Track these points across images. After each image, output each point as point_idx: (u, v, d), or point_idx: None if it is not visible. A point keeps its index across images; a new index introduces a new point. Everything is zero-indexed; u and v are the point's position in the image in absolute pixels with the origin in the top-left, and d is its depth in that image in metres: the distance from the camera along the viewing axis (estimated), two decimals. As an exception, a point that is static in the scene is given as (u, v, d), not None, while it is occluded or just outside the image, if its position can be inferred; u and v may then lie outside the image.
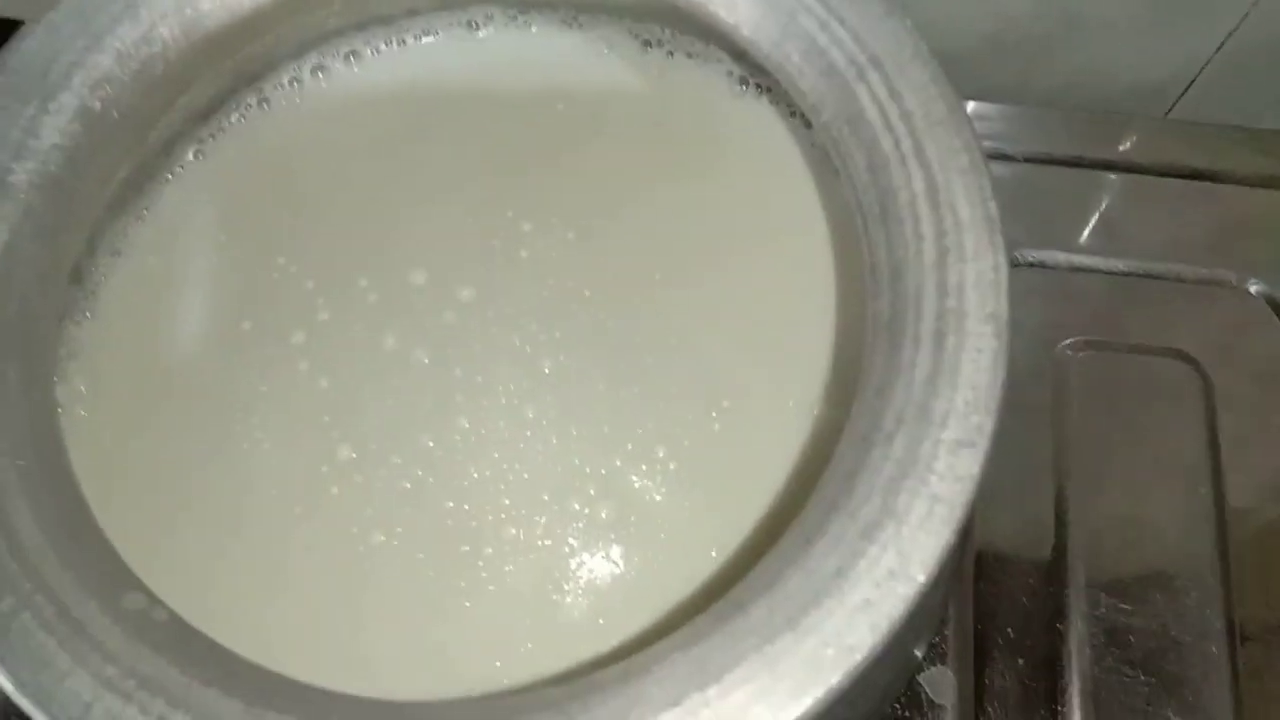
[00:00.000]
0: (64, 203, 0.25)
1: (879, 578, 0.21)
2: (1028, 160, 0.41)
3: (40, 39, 0.25)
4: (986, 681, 0.35)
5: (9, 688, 0.21)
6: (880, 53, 0.26)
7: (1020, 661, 0.35)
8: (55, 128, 0.25)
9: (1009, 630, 0.35)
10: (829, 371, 0.29)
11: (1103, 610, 0.36)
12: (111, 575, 0.22)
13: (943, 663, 0.35)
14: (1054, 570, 0.36)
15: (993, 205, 0.25)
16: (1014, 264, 0.41)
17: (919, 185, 0.25)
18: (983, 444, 0.22)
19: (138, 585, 0.23)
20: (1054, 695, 0.35)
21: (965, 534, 0.30)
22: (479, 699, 0.25)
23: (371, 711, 0.22)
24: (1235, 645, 0.36)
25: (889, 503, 0.22)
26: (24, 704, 0.21)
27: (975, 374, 0.23)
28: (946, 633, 0.35)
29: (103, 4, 0.26)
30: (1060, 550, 0.36)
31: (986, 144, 0.41)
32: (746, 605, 0.22)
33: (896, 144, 0.25)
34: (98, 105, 0.25)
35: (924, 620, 0.33)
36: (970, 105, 0.41)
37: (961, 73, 0.27)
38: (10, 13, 0.33)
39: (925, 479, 0.22)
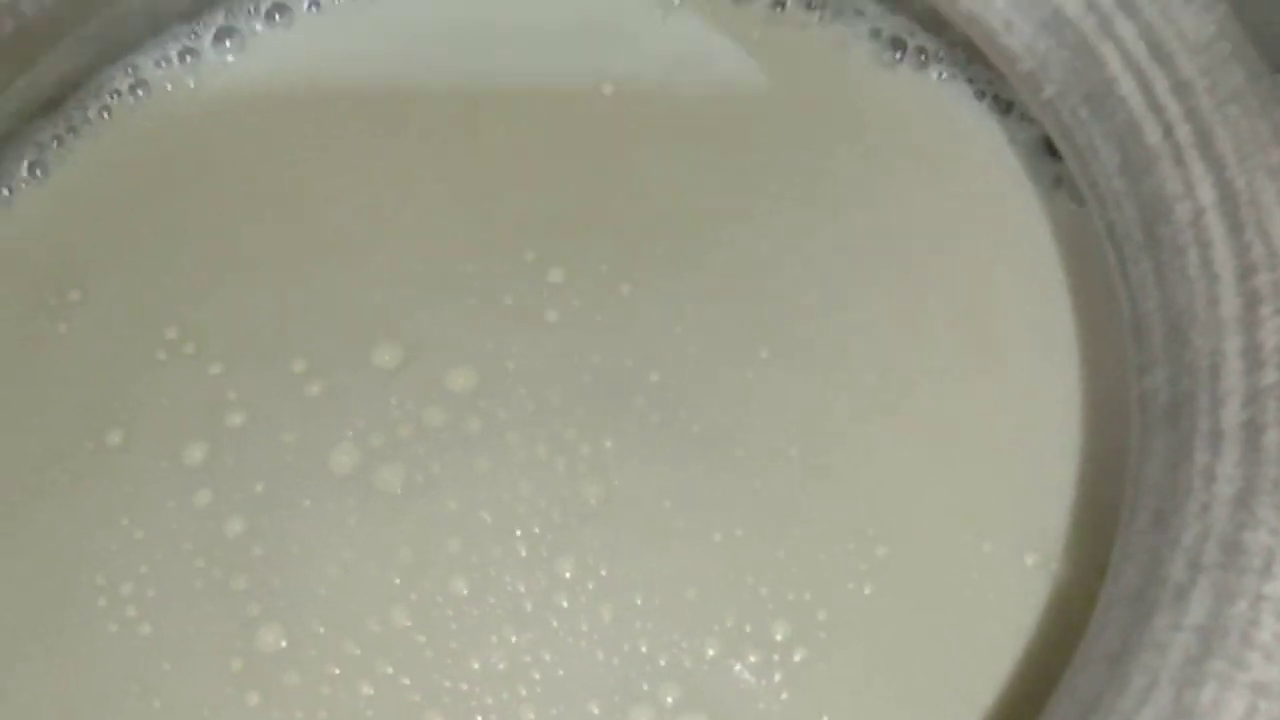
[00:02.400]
0: None
1: None
2: None
3: None
4: None
5: None
6: (1137, -9, 0.26)
7: None
8: None
9: None
10: (1062, 499, 0.29)
11: None
12: None
13: None
14: None
15: None
16: None
17: (1206, 195, 0.25)
18: None
19: None
20: None
21: None
22: None
23: None
24: None
25: (1186, 699, 0.21)
26: None
27: None
28: None
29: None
30: None
31: None
32: None
33: (1168, 131, 0.25)
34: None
35: None
36: None
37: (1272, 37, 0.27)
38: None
39: (1242, 660, 0.21)
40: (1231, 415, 0.23)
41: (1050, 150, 0.31)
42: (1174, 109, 0.26)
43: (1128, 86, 0.26)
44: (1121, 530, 0.24)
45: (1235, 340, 0.24)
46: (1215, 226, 0.25)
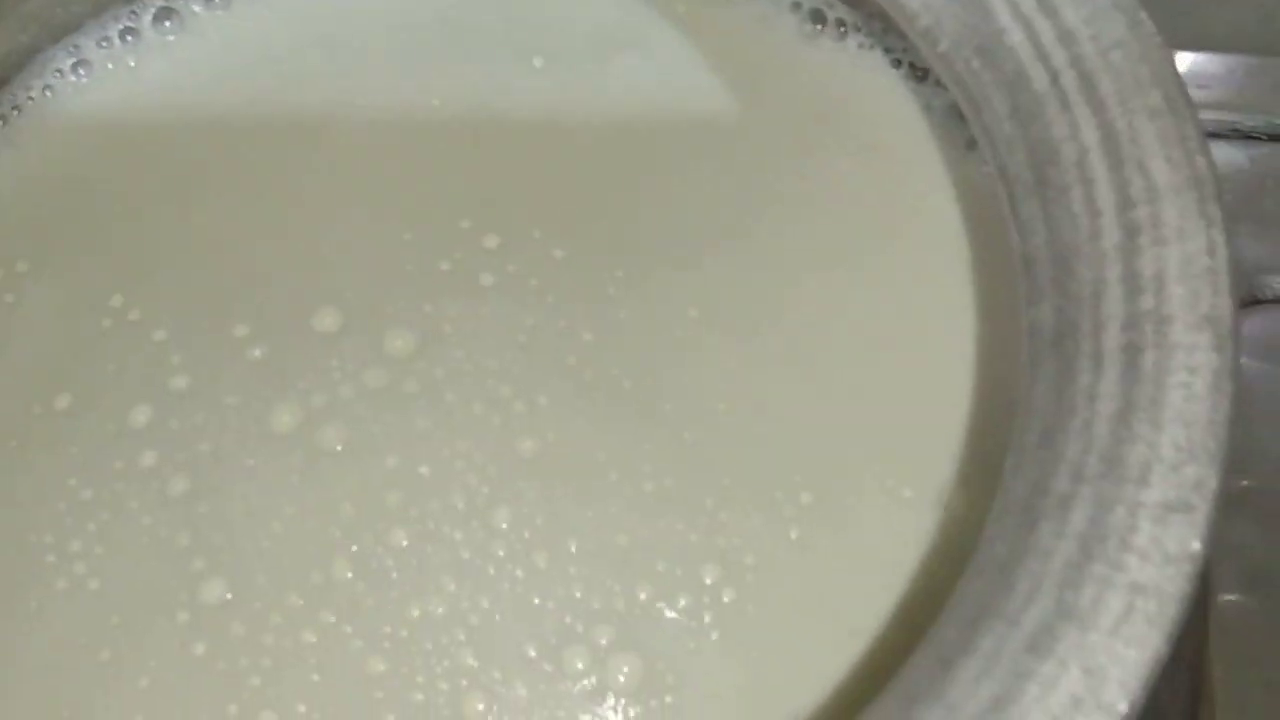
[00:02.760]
0: None
1: (1058, 710, 0.21)
2: (1277, 139, 0.43)
3: None
4: None
5: None
6: (1023, -56, 0.27)
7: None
8: None
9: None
10: (963, 440, 0.30)
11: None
12: None
13: None
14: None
15: (1203, 161, 0.25)
16: (1258, 300, 0.42)
17: (1090, 136, 0.26)
18: (1204, 506, 0.23)
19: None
20: None
21: (1190, 643, 0.30)
22: None
23: None
24: None
25: (1067, 599, 0.22)
26: None
27: (1187, 404, 0.23)
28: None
29: None
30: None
31: (1209, 116, 0.43)
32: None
33: (1054, 78, 0.26)
34: None
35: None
36: (1185, 57, 0.43)
37: (1169, 16, 0.28)
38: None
39: (1120, 562, 0.22)
40: (1112, 339, 0.24)
41: (962, 115, 0.32)
42: (1060, 57, 0.27)
43: (1016, 37, 0.27)
44: (1011, 450, 0.25)
45: (1115, 269, 0.25)
46: (1098, 165, 0.26)
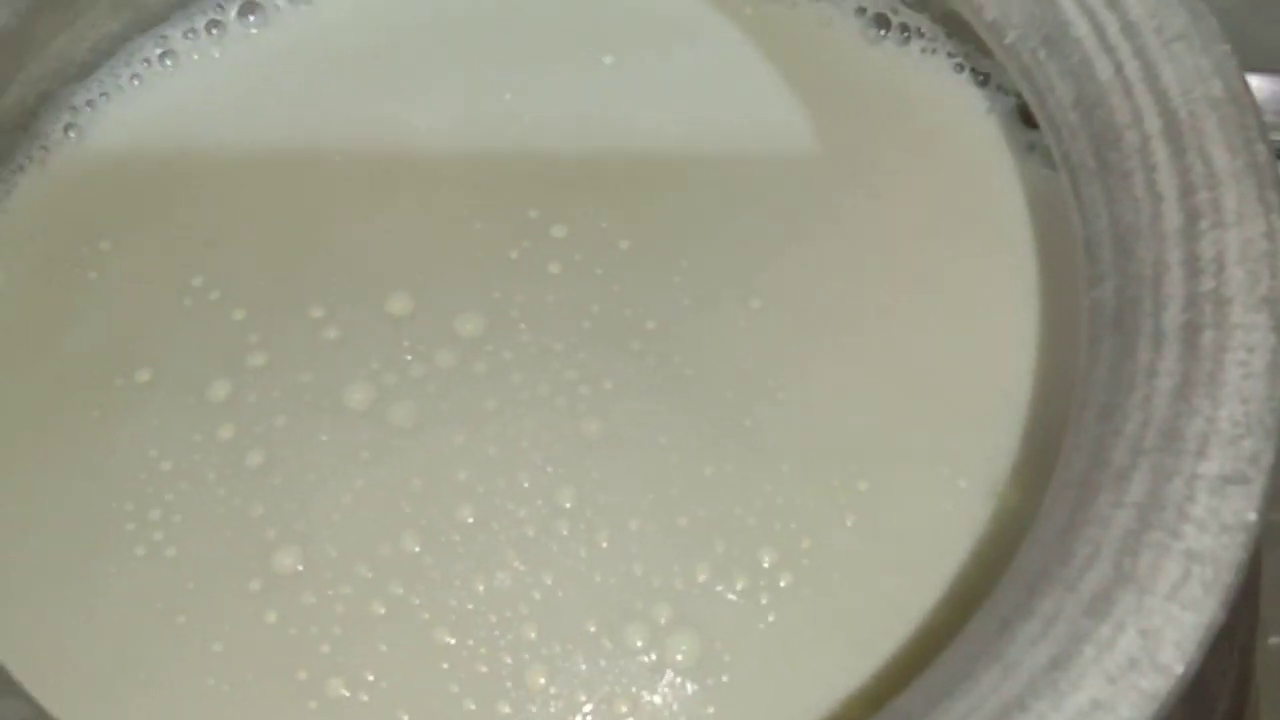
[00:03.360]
0: None
1: (1114, 670, 0.22)
2: None
3: None
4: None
5: None
6: (1090, -61, 0.27)
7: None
8: None
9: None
10: (1019, 433, 0.30)
11: None
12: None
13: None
14: None
15: (1261, 149, 0.25)
16: None
17: (1153, 123, 0.26)
18: (1259, 479, 0.23)
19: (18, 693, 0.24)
20: None
21: (1245, 610, 0.31)
22: None
23: None
24: None
25: (1125, 565, 0.23)
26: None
27: (1245, 381, 0.24)
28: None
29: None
30: None
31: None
32: (918, 720, 0.22)
33: (1118, 68, 0.27)
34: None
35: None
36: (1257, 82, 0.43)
37: (1236, 31, 0.28)
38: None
39: (1178, 530, 0.23)
40: (1172, 318, 0.24)
41: (1024, 119, 0.32)
42: (1124, 48, 0.27)
43: (1082, 28, 0.27)
44: (1070, 427, 0.25)
45: (1176, 251, 0.25)
46: (1160, 151, 0.26)
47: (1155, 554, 0.23)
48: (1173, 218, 0.25)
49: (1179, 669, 0.22)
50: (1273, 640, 0.38)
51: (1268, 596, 0.37)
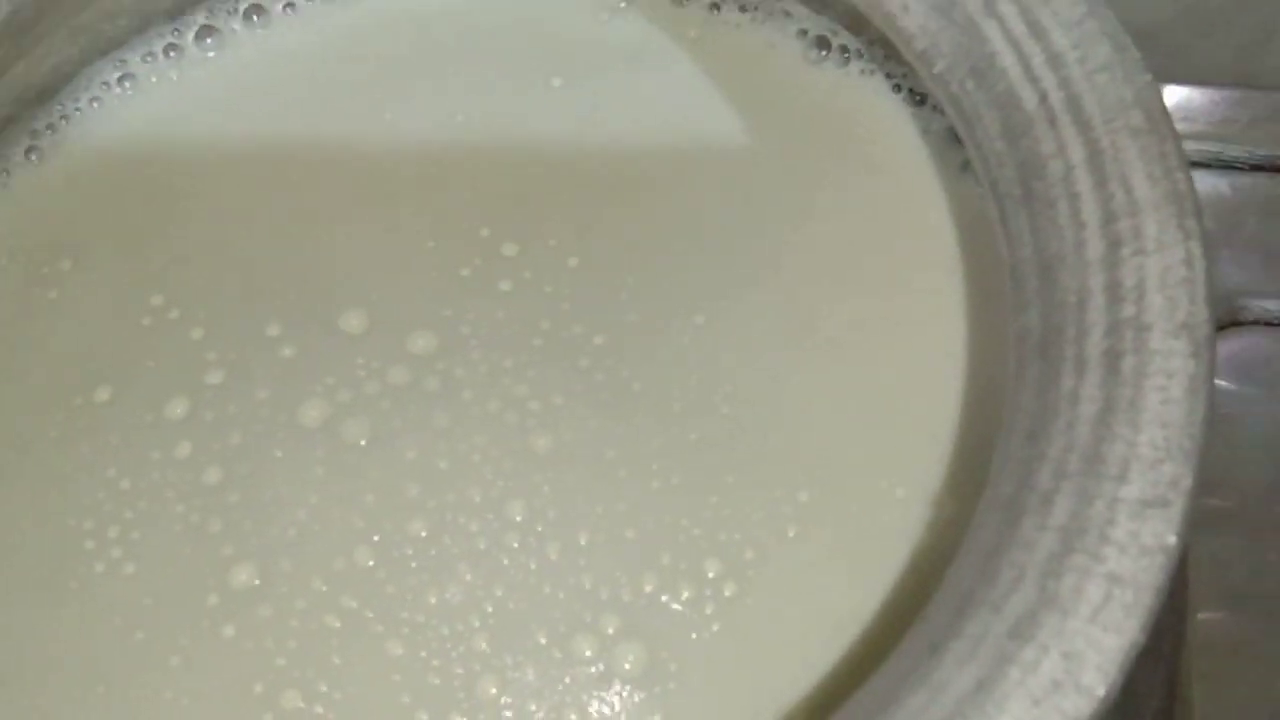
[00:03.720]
0: None
1: (1038, 693, 0.22)
2: (1257, 167, 0.43)
3: None
4: None
5: None
6: (1016, -26, 0.28)
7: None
8: None
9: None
10: (954, 444, 0.30)
11: None
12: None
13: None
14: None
15: (1181, 177, 0.26)
16: (1237, 321, 0.43)
17: (1077, 153, 0.26)
18: (1179, 502, 0.23)
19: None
20: None
21: (1171, 626, 0.31)
22: None
23: None
24: None
25: (1049, 588, 0.23)
26: None
27: (1165, 407, 0.24)
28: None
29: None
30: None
31: (1193, 146, 0.43)
32: (848, 743, 0.23)
33: (1043, 98, 0.27)
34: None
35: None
36: (1171, 90, 0.43)
37: (1153, 55, 0.28)
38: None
39: (1099, 553, 0.23)
40: (1094, 344, 0.25)
41: (958, 138, 0.33)
42: (1049, 78, 0.27)
43: (1008, 59, 0.27)
44: (998, 450, 0.25)
45: (1099, 278, 0.25)
46: (1083, 180, 0.26)
47: (1078, 577, 0.23)
48: (1095, 245, 0.26)
49: (1100, 691, 0.22)
50: (1202, 616, 0.39)
51: (1197, 574, 0.37)
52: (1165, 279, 0.25)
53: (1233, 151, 0.43)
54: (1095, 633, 0.23)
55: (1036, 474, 0.24)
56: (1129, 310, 0.25)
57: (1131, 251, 0.26)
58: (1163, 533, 0.23)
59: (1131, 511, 0.23)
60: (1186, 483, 0.24)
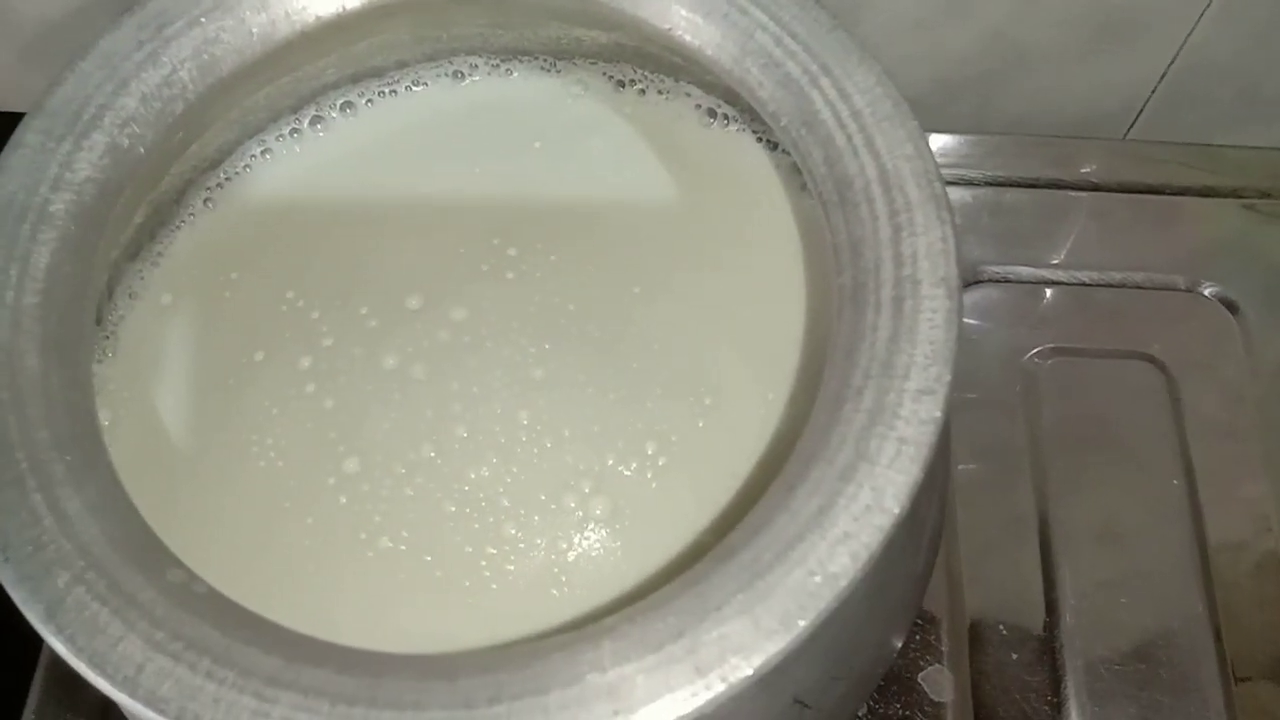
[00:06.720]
0: (96, 232, 0.28)
1: (857, 513, 0.24)
2: (989, 184, 0.46)
3: (73, 84, 0.29)
4: (982, 677, 0.39)
5: (67, 654, 0.23)
6: (829, 61, 0.29)
7: (1014, 656, 0.39)
8: (88, 162, 0.28)
9: (1000, 626, 0.39)
10: (800, 364, 0.32)
11: (1090, 601, 0.40)
12: (154, 555, 0.25)
13: (940, 662, 0.39)
14: (1044, 566, 0.41)
15: (938, 185, 0.27)
16: (978, 280, 0.46)
17: (871, 172, 0.28)
18: (942, 390, 0.25)
19: (178, 564, 0.25)
20: (1053, 687, 0.39)
21: (939, 475, 0.33)
22: (504, 646, 0.25)
23: (395, 663, 0.24)
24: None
25: (862, 448, 0.25)
26: (81, 668, 0.23)
27: (932, 331, 0.26)
28: (941, 632, 0.39)
29: (127, 51, 0.30)
30: (1045, 546, 0.41)
31: (949, 171, 0.44)
32: (738, 548, 0.24)
33: (849, 139, 0.28)
34: (125, 142, 0.29)
35: (899, 609, 0.36)
36: (932, 137, 0.45)
37: (918, 112, 0.29)
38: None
39: (893, 424, 0.25)
40: (886, 294, 0.26)
41: (798, 169, 0.32)
42: (853, 126, 0.28)
43: (826, 115, 0.29)
44: (828, 365, 0.26)
45: (888, 251, 0.27)
46: (876, 189, 0.27)
47: (880, 440, 0.25)
48: (885, 230, 0.27)
49: (896, 510, 0.24)
50: (960, 466, 0.41)
51: (956, 438, 0.40)
52: (930, 251, 0.27)
53: (971, 174, 0.46)
54: (892, 474, 0.25)
55: (851, 377, 0.26)
56: (907, 270, 0.27)
57: (908, 234, 0.27)
58: (933, 410, 0.25)
59: (913, 397, 0.25)
60: (947, 379, 0.25)
